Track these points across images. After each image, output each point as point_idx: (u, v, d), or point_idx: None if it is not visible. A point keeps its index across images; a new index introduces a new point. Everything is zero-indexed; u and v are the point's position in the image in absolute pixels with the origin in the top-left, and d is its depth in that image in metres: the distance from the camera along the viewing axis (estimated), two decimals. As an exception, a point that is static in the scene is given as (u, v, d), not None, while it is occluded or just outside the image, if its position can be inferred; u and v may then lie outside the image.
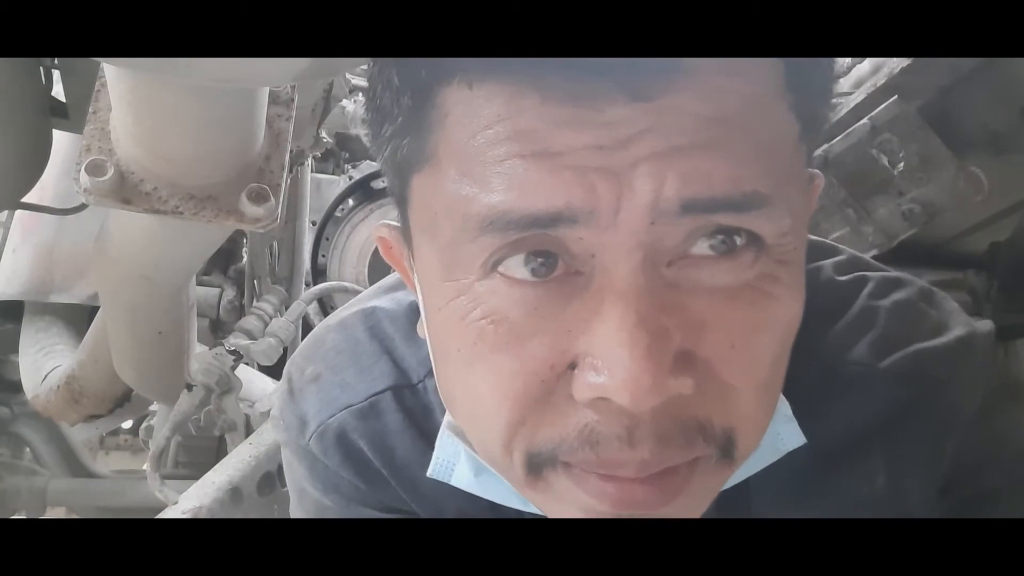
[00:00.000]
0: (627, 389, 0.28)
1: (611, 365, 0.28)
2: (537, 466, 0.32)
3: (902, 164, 0.64)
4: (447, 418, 0.45)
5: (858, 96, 0.69)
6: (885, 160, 0.65)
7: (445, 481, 0.45)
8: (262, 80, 0.51)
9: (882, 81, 0.66)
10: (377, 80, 0.34)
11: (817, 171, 0.38)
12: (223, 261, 1.53)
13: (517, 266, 0.30)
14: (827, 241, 0.54)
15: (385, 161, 0.36)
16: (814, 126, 0.33)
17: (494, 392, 0.31)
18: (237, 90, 0.58)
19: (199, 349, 1.15)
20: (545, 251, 0.30)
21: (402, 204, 0.36)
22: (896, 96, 0.66)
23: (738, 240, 0.30)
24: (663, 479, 0.31)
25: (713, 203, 0.28)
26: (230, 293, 1.39)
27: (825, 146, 0.75)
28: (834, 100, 0.36)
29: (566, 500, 0.32)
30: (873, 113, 0.67)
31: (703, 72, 0.28)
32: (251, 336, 1.10)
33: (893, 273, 0.48)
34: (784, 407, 0.40)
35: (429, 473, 0.45)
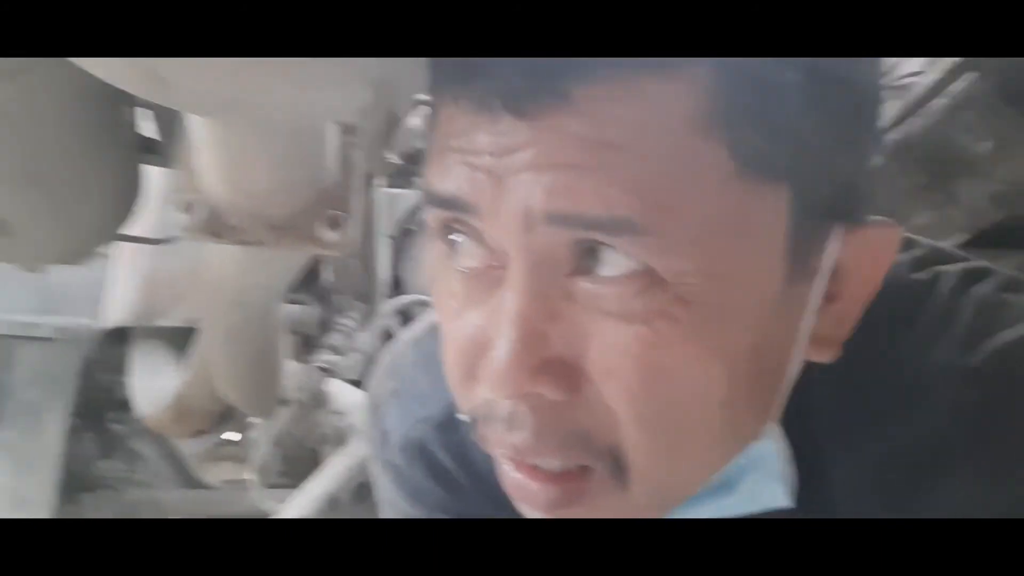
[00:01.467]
0: (491, 373, 0.32)
1: (495, 354, 0.32)
2: (482, 438, 0.36)
3: (987, 143, 0.61)
4: None
5: (933, 74, 0.66)
6: (968, 140, 0.62)
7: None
8: (329, 116, 0.54)
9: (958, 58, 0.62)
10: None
11: (883, 220, 0.36)
12: (309, 279, 1.60)
13: (455, 240, 0.35)
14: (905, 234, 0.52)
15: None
16: (776, 168, 0.31)
17: (447, 361, 0.37)
18: (307, 126, 0.61)
19: (292, 366, 1.21)
20: (463, 232, 0.34)
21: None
22: (975, 72, 0.62)
23: (612, 261, 0.31)
24: (560, 480, 0.34)
25: (581, 220, 0.30)
26: (317, 310, 1.46)
27: (902, 128, 0.72)
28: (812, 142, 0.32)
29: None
30: (950, 90, 0.64)
31: (593, 96, 0.29)
32: (338, 352, 1.14)
33: (974, 263, 0.45)
34: (774, 462, 0.39)
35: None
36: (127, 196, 0.99)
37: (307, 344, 1.48)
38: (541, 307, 0.31)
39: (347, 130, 0.75)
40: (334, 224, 0.71)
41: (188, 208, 0.70)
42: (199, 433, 1.50)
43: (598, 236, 0.30)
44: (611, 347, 0.31)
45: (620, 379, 0.31)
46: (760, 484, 0.39)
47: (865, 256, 0.35)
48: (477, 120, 0.31)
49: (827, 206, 0.33)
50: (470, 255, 0.34)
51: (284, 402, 1.10)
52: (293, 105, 0.40)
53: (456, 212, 0.33)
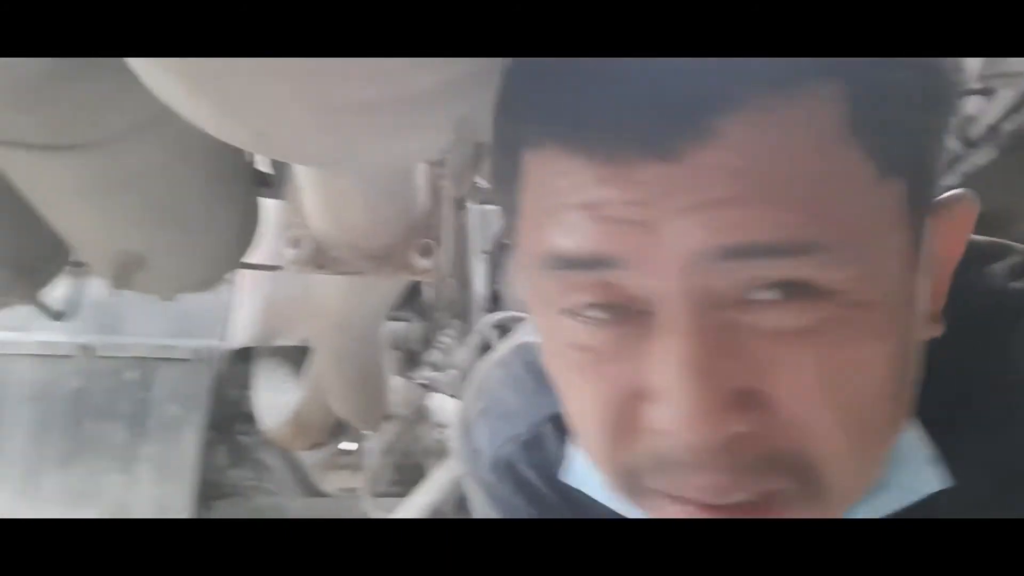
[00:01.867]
0: (683, 425, 0.30)
1: (668, 401, 0.31)
2: (631, 488, 0.35)
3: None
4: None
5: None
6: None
7: (579, 488, 0.48)
8: (418, 158, 0.59)
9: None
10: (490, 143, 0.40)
11: (962, 192, 0.36)
12: (412, 296, 1.68)
13: (583, 305, 0.34)
14: (1000, 241, 0.50)
15: (503, 215, 0.41)
16: (901, 163, 0.32)
17: (585, 417, 0.36)
18: (399, 167, 0.66)
19: (397, 381, 1.28)
20: (600, 293, 0.33)
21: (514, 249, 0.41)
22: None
23: (786, 287, 0.31)
24: (740, 510, 0.32)
25: (755, 249, 0.30)
26: (419, 326, 1.52)
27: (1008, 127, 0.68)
28: (929, 132, 0.34)
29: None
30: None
31: (735, 128, 0.30)
32: (437, 368, 1.20)
33: None
34: (922, 448, 0.39)
35: (561, 477, 0.49)
36: (248, 227, 1.09)
37: (411, 360, 1.56)
38: (711, 345, 0.31)
39: (435, 163, 0.80)
40: (426, 252, 0.76)
41: (296, 243, 0.77)
42: (316, 445, 1.60)
43: (769, 262, 0.30)
44: (790, 365, 0.31)
45: (805, 393, 0.31)
46: (913, 473, 0.40)
47: (950, 231, 0.36)
48: (604, 171, 0.31)
49: (928, 193, 0.35)
50: (605, 309, 0.33)
51: (390, 416, 1.16)
52: (384, 154, 0.44)
53: (594, 270, 0.32)
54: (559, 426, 0.54)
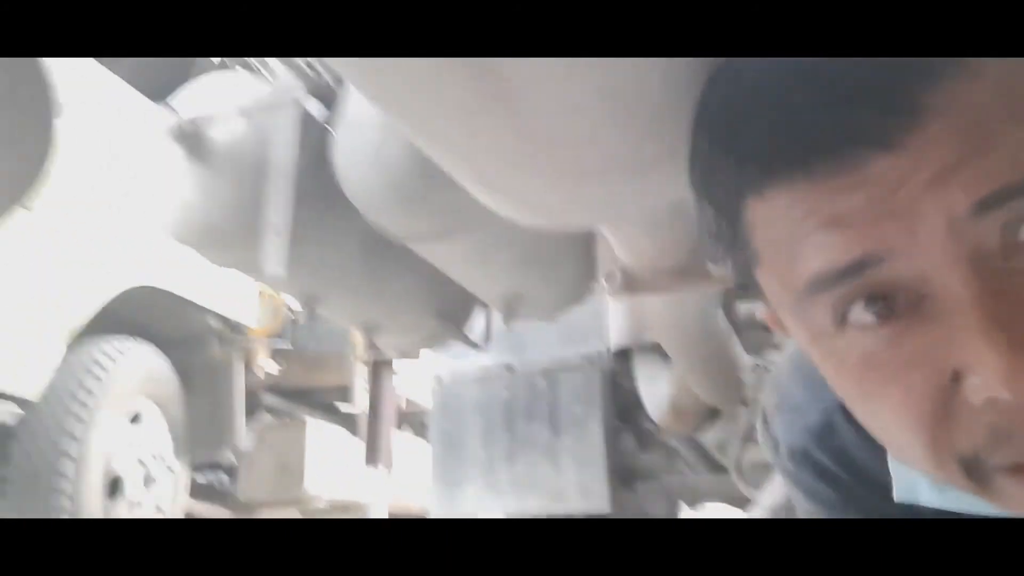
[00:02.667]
0: (1005, 385, 0.30)
1: (984, 368, 0.30)
2: (975, 475, 0.34)
3: None
4: None
5: None
6: None
7: (914, 503, 0.49)
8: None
9: None
10: (697, 207, 0.43)
11: None
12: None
13: (860, 314, 0.34)
14: None
15: (732, 268, 0.44)
16: None
17: (898, 423, 0.35)
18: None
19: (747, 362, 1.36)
20: (874, 294, 0.34)
21: (761, 294, 0.43)
22: None
23: None
24: None
25: (1003, 194, 0.30)
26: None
27: None
28: None
29: (1018, 499, 0.34)
30: None
31: (941, 97, 0.31)
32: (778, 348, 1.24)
33: None
34: None
35: (896, 498, 0.50)
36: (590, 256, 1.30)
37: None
38: (1001, 297, 0.30)
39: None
40: (715, 259, 0.85)
41: (609, 277, 0.93)
42: (698, 430, 1.74)
43: (1019, 202, 0.31)
44: None
45: None
46: None
47: None
48: (832, 184, 0.32)
49: None
50: (882, 307, 0.33)
51: (745, 402, 1.24)
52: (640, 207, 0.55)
53: (860, 275, 0.33)
54: (848, 414, 0.59)
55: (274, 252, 1.16)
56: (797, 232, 0.34)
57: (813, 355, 0.39)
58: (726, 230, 0.39)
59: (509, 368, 2.20)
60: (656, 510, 2.87)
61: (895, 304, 0.33)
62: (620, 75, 0.45)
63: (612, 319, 2.01)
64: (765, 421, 0.68)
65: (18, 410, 2.40)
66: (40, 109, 1.12)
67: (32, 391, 2.43)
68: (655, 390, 1.90)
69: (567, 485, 2.06)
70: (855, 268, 0.33)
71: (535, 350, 2.20)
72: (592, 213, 0.64)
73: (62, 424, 2.45)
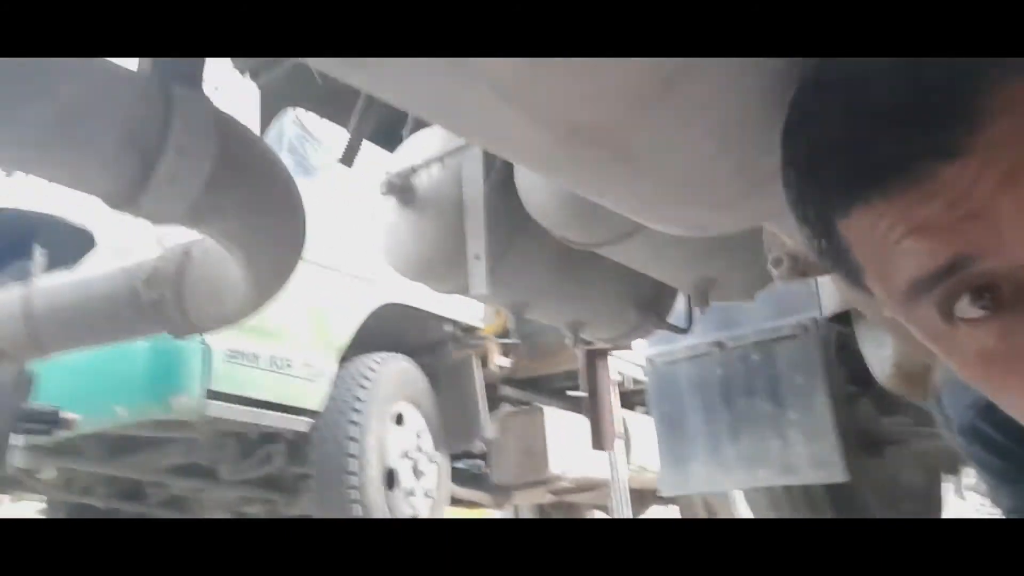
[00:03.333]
0: None
1: None
2: None
3: None
4: None
5: None
6: None
7: None
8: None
9: None
10: (798, 228, 0.46)
11: None
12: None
13: (967, 309, 0.36)
14: None
15: (843, 280, 0.46)
16: None
17: None
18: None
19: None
20: (978, 288, 0.35)
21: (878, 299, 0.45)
22: None
23: None
24: None
25: None
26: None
27: None
28: None
29: None
30: None
31: (999, 99, 0.33)
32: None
33: None
34: None
35: None
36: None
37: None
38: None
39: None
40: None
41: (777, 263, 0.95)
42: (930, 395, 1.63)
43: None
44: None
45: None
46: None
47: None
48: (909, 196, 0.34)
49: None
50: (986, 300, 0.35)
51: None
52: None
53: (955, 274, 0.34)
54: None
55: (477, 275, 1.33)
56: (885, 245, 0.36)
57: (938, 352, 0.41)
58: (827, 248, 0.42)
59: (719, 345, 2.21)
60: (912, 478, 2.68)
61: (1001, 296, 0.35)
62: (725, 113, 0.53)
63: (824, 284, 1.94)
64: (938, 400, 0.70)
65: (310, 420, 2.90)
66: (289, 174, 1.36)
67: (318, 403, 2.93)
68: (880, 353, 1.81)
69: (797, 458, 2.03)
70: (948, 270, 0.35)
71: (744, 325, 2.18)
72: (737, 224, 0.70)
73: (344, 429, 2.92)
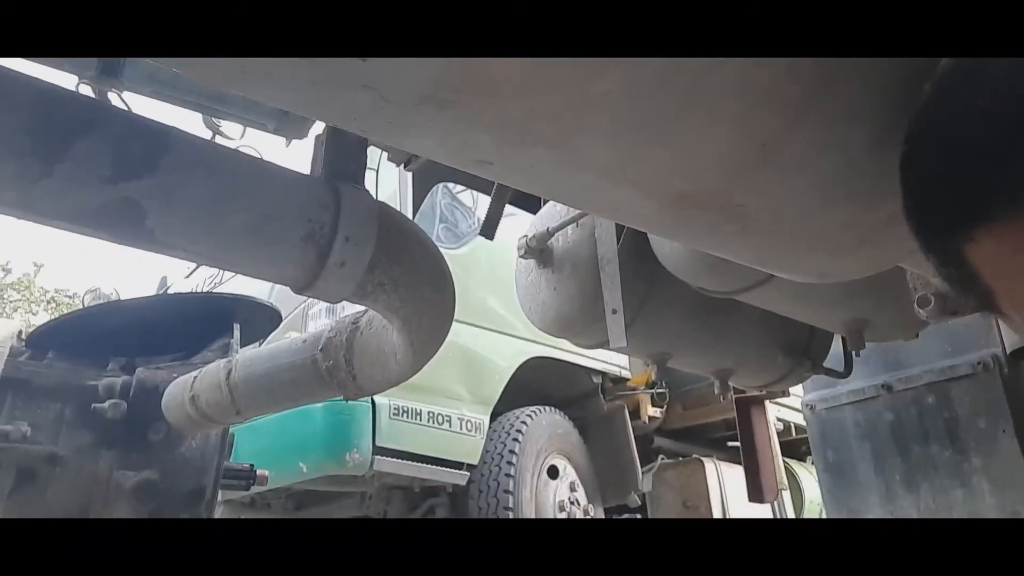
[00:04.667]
0: None
1: None
2: None
3: None
4: None
5: None
6: None
7: None
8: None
9: None
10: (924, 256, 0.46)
11: None
12: None
13: None
14: None
15: (973, 305, 0.46)
16: None
17: None
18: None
19: None
20: None
21: (1011, 321, 0.46)
22: None
23: None
24: None
25: None
26: None
27: None
28: None
29: None
30: None
31: None
32: None
33: None
34: None
35: None
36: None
37: None
38: None
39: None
40: None
41: (924, 303, 0.92)
42: None
43: None
44: None
45: None
46: None
47: None
48: None
49: None
50: None
51: None
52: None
53: None
54: None
55: (615, 328, 1.37)
56: (1014, 266, 0.38)
57: None
58: (955, 275, 0.43)
59: (887, 388, 2.08)
60: None
61: None
62: (825, 168, 0.55)
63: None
64: None
65: (466, 473, 3.01)
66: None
67: (475, 457, 3.04)
68: None
69: (986, 508, 1.85)
70: None
71: (914, 365, 2.04)
72: (862, 269, 0.70)
73: (501, 482, 3.01)
